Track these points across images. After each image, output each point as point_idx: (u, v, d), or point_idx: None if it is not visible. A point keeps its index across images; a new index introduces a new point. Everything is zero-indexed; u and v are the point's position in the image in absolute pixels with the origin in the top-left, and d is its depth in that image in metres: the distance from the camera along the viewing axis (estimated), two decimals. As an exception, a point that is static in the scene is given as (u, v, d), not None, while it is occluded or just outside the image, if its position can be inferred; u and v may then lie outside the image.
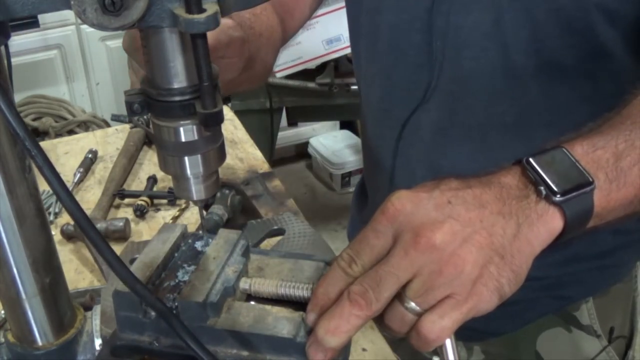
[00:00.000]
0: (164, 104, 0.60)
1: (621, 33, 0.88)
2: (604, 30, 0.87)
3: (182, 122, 0.61)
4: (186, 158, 0.63)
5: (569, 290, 1.09)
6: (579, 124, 0.87)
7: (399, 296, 0.59)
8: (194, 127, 0.61)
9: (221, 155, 0.65)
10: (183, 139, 0.61)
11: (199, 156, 0.63)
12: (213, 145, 0.63)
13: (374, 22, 1.05)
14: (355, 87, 2.40)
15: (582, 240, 0.89)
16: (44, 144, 1.57)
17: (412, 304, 0.59)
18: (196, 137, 0.61)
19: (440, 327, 0.58)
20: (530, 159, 0.63)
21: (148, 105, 0.61)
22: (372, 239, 0.61)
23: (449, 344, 0.61)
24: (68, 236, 1.21)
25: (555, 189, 0.61)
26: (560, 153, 0.64)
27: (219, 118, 0.58)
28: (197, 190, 0.65)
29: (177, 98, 0.59)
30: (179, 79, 0.59)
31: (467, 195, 0.61)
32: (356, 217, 1.35)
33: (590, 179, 0.62)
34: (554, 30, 0.88)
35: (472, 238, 0.59)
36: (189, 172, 0.64)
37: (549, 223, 0.61)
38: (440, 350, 0.61)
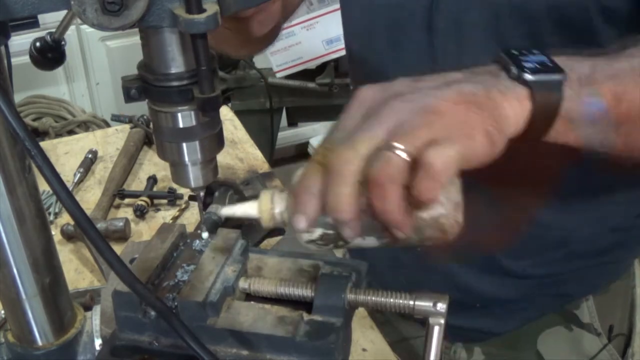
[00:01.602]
0: (161, 89, 0.60)
1: (620, 32, 0.88)
2: (603, 30, 0.87)
3: (179, 108, 0.60)
4: (184, 144, 0.62)
5: (569, 288, 1.09)
6: None
7: (382, 145, 0.56)
8: (192, 112, 0.60)
9: (219, 142, 0.65)
10: (181, 125, 0.61)
11: (197, 142, 0.62)
12: (211, 132, 0.63)
13: (369, 19, 1.05)
14: (355, 87, 2.40)
15: (580, 237, 0.89)
16: (44, 144, 1.57)
17: (397, 149, 0.55)
18: (194, 123, 0.61)
19: (446, 156, 0.55)
20: (507, 50, 0.63)
21: (145, 90, 0.60)
22: (344, 124, 0.60)
23: (436, 332, 0.61)
24: (68, 236, 1.22)
25: (525, 67, 0.60)
26: (535, 51, 0.64)
27: (216, 103, 0.58)
28: (195, 177, 0.65)
29: (175, 83, 0.59)
30: (177, 63, 0.59)
31: (433, 76, 0.61)
32: None
33: (563, 70, 0.62)
34: (551, 27, 0.88)
35: (443, 94, 0.58)
36: (187, 158, 0.63)
37: (518, 100, 0.60)
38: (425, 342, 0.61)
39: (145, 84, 0.60)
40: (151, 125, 0.64)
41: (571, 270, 1.07)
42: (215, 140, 0.64)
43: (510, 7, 0.89)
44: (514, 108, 0.59)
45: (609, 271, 1.11)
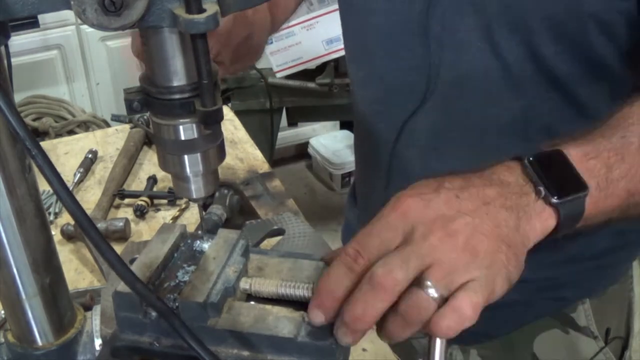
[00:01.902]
0: (163, 102, 0.60)
1: (617, 46, 0.88)
2: (599, 42, 0.87)
3: (181, 120, 0.60)
4: (186, 156, 0.63)
5: (565, 292, 1.09)
6: (576, 129, 0.87)
7: (418, 282, 0.59)
8: (194, 125, 0.61)
9: (221, 153, 0.65)
10: (183, 137, 0.61)
11: (198, 154, 0.63)
12: (213, 144, 0.63)
13: (364, 22, 1.05)
14: (355, 87, 2.40)
15: (577, 241, 0.90)
16: (44, 144, 1.57)
17: (432, 290, 0.58)
18: (196, 136, 0.61)
19: (476, 302, 0.58)
20: (531, 158, 0.65)
21: (147, 103, 0.61)
22: (382, 232, 0.61)
23: (438, 345, 0.61)
24: (68, 236, 1.21)
25: (554, 190, 0.64)
26: (558, 156, 0.66)
27: (218, 116, 0.58)
28: (196, 188, 0.65)
29: (177, 96, 0.59)
30: (179, 76, 0.59)
31: (472, 192, 0.63)
32: (350, 219, 1.35)
33: (586, 185, 0.65)
34: (547, 38, 0.88)
35: (482, 228, 0.60)
36: (188, 170, 0.63)
37: (545, 221, 0.64)
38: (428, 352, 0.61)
39: (147, 97, 0.61)
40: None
41: (568, 274, 1.07)
42: (217, 152, 0.64)
43: (504, 17, 0.89)
44: (539, 230, 0.64)
45: (606, 275, 1.11)
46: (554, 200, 0.63)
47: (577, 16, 0.86)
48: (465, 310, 0.57)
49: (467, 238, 0.60)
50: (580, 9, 0.85)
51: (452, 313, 0.58)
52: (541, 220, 0.64)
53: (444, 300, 0.58)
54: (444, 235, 0.59)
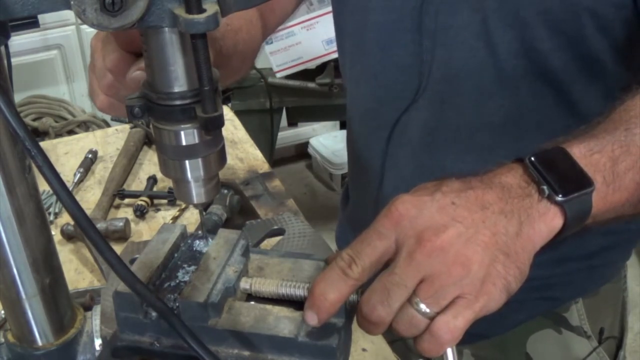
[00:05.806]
0: (164, 107, 0.60)
1: (611, 42, 0.88)
2: (594, 37, 0.87)
3: (182, 126, 0.61)
4: (187, 162, 0.63)
5: (558, 291, 1.09)
6: (567, 127, 0.87)
7: (409, 299, 0.59)
8: (195, 130, 0.61)
9: (222, 158, 0.65)
10: (184, 143, 0.61)
11: (199, 160, 0.63)
12: (214, 149, 0.63)
13: (360, 21, 1.05)
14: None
15: (570, 240, 0.90)
16: (44, 144, 1.57)
17: (423, 306, 0.59)
18: (197, 141, 0.61)
19: (454, 327, 0.58)
20: (533, 158, 0.64)
21: (148, 109, 0.61)
22: (374, 240, 0.61)
23: (449, 351, 0.61)
24: (68, 236, 1.21)
25: (558, 188, 0.61)
26: (560, 153, 0.65)
27: (219, 122, 0.58)
28: (197, 193, 0.65)
29: (178, 102, 0.59)
30: (180, 82, 0.59)
31: (470, 196, 0.61)
32: (343, 219, 1.35)
33: (591, 181, 0.63)
34: (542, 33, 0.88)
35: (476, 238, 0.59)
36: (189, 175, 0.63)
37: (550, 221, 0.62)
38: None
39: (148, 102, 0.61)
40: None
41: (561, 273, 1.07)
42: (217, 157, 0.64)
43: (500, 11, 0.89)
44: (545, 232, 0.62)
45: (598, 274, 1.11)
46: (559, 198, 0.61)
47: (573, 10, 0.86)
48: (443, 336, 0.59)
49: (458, 250, 0.59)
50: (576, 1, 0.85)
51: (431, 338, 0.59)
52: (546, 221, 0.62)
53: (437, 314, 0.59)
54: (434, 248, 0.58)
